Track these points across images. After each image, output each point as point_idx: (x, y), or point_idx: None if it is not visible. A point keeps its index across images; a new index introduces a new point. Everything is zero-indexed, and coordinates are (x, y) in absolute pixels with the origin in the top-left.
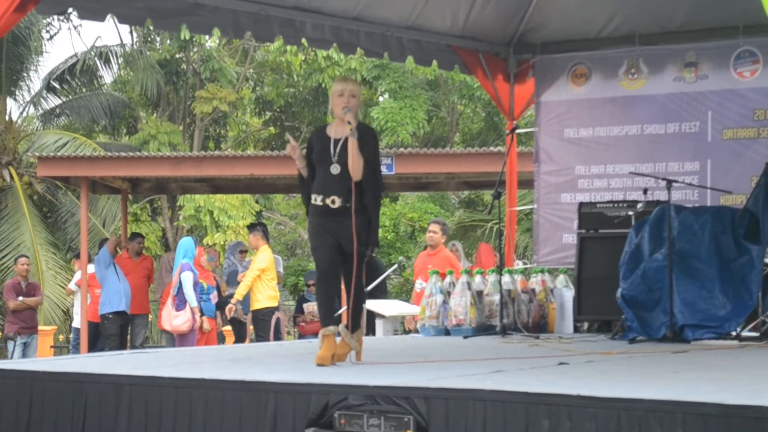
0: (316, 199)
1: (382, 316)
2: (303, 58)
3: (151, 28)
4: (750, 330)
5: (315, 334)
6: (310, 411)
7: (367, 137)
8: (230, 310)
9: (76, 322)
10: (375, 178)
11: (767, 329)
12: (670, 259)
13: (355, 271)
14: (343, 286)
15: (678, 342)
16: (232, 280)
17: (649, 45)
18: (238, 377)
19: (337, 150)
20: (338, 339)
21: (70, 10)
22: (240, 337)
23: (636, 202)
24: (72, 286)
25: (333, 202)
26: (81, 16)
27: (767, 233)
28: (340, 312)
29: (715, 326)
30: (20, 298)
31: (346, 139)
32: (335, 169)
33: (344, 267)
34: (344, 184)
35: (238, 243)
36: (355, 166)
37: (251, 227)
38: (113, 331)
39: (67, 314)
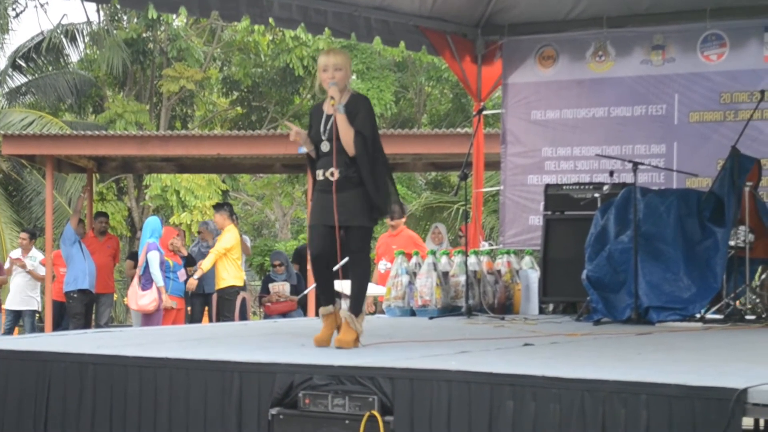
0: (318, 174)
1: (346, 296)
2: (270, 38)
3: (118, 6)
4: (714, 312)
5: (281, 314)
6: (275, 391)
7: (359, 107)
8: (192, 284)
9: (10, 304)
10: (368, 151)
11: (731, 311)
12: (636, 242)
13: (362, 248)
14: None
15: (643, 324)
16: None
17: (617, 27)
18: (202, 357)
19: (327, 126)
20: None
21: None
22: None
23: (602, 184)
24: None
25: (332, 174)
26: None
27: (732, 216)
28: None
29: (680, 308)
30: None
31: (333, 117)
32: (325, 146)
33: (351, 242)
34: (340, 158)
35: (205, 222)
36: (346, 140)
37: (217, 206)
38: (78, 309)
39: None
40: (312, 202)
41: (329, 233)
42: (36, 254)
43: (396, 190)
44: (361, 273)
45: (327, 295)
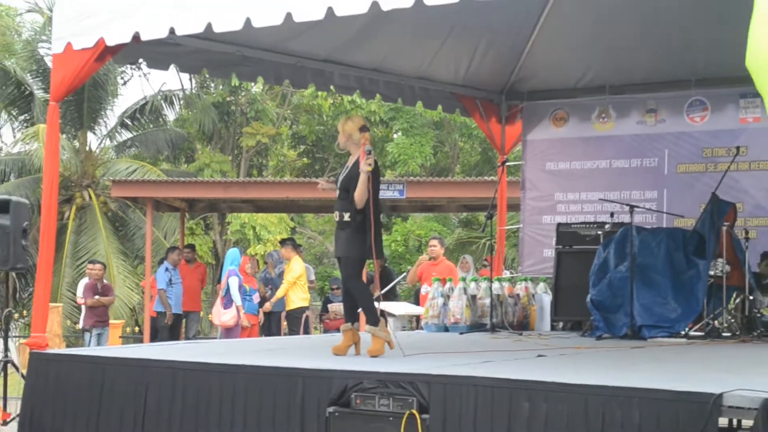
0: (343, 216)
1: (392, 315)
2: (331, 101)
3: (207, 75)
4: (696, 330)
5: (338, 330)
6: (332, 393)
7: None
8: (267, 308)
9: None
10: (376, 205)
11: (710, 330)
12: (632, 271)
13: (350, 276)
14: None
15: (636, 339)
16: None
17: (617, 94)
18: (273, 364)
19: (342, 175)
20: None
21: (140, 60)
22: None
23: (604, 223)
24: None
25: (337, 216)
26: (149, 66)
27: (712, 251)
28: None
29: (668, 327)
30: (96, 296)
31: (351, 169)
32: (337, 187)
33: (347, 268)
34: (347, 202)
35: (270, 254)
36: (359, 194)
37: (282, 242)
38: (164, 325)
39: (133, 311)
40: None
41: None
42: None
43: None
44: (360, 294)
45: (348, 315)
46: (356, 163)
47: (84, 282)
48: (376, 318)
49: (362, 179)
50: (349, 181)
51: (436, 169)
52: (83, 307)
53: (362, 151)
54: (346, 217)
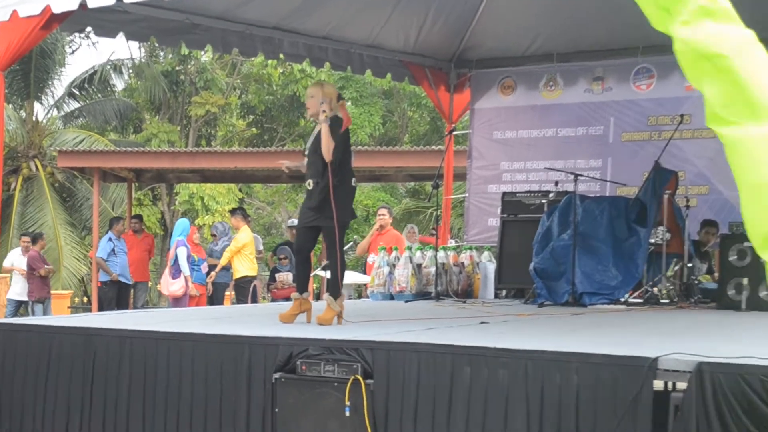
0: (306, 183)
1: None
2: (281, 70)
3: (156, 44)
4: (635, 297)
5: (286, 299)
6: (278, 359)
7: (336, 125)
8: (211, 277)
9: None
10: (346, 163)
11: (649, 297)
12: (574, 239)
13: (332, 242)
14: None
15: (577, 306)
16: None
17: (565, 62)
18: (219, 332)
19: (310, 143)
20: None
21: (88, 28)
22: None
23: (549, 192)
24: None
25: (309, 184)
26: (97, 34)
27: (653, 219)
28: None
29: (608, 293)
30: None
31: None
32: (305, 155)
33: (326, 239)
34: (318, 168)
35: (215, 226)
36: (325, 146)
37: (232, 211)
38: (111, 295)
39: (82, 282)
40: (300, 207)
41: (308, 233)
42: None
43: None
44: (336, 264)
45: (299, 282)
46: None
47: (17, 253)
48: (338, 291)
49: (324, 130)
50: (317, 144)
51: (384, 139)
52: (20, 279)
53: (319, 116)
54: (319, 183)
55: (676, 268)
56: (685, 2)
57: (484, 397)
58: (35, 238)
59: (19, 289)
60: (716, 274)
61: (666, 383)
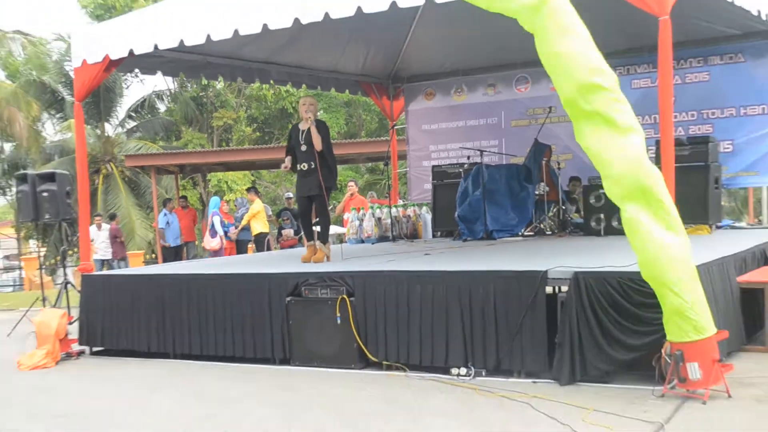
0: (299, 167)
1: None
2: (272, 91)
3: (184, 77)
4: (528, 231)
5: (290, 247)
6: (288, 287)
7: (322, 126)
8: (234, 233)
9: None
10: (330, 150)
11: (538, 230)
12: (484, 195)
13: (323, 205)
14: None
15: (489, 240)
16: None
17: (467, 75)
18: (248, 271)
19: (302, 137)
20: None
21: (136, 69)
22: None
23: (463, 163)
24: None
25: (304, 166)
26: (142, 72)
27: (536, 178)
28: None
29: (509, 230)
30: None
31: (308, 130)
32: (303, 147)
33: (317, 203)
34: (311, 156)
35: (237, 201)
36: (317, 141)
37: (248, 189)
38: (170, 252)
39: (150, 244)
40: (297, 183)
41: (308, 201)
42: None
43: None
44: (325, 220)
45: (308, 234)
46: (309, 129)
47: (93, 228)
48: (326, 239)
49: (312, 129)
50: (308, 140)
51: (348, 134)
52: (101, 246)
53: (309, 119)
54: (312, 165)
55: (554, 210)
56: None
57: (431, 305)
58: (112, 217)
59: (101, 253)
60: (582, 212)
61: (554, 287)
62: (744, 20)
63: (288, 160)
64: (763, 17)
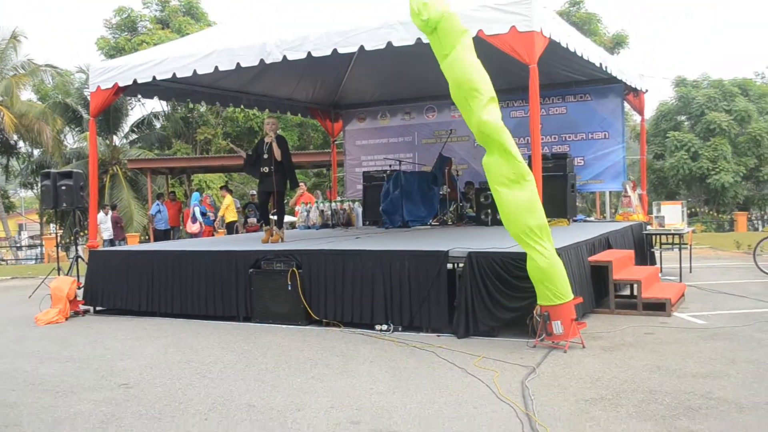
0: (261, 169)
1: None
2: (243, 114)
3: (175, 101)
4: (435, 222)
5: (255, 231)
6: (251, 261)
7: (281, 140)
8: (217, 223)
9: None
10: (285, 157)
11: (442, 221)
12: (401, 194)
13: (279, 200)
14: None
15: (405, 228)
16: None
17: (389, 105)
18: (220, 249)
19: (266, 149)
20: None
21: (138, 95)
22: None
23: (386, 170)
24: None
25: (266, 170)
26: (143, 96)
27: (440, 181)
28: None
29: (421, 220)
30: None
31: (270, 144)
32: (265, 156)
33: (275, 198)
34: (270, 162)
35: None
36: (277, 153)
37: (222, 188)
38: (160, 235)
39: (145, 228)
40: (259, 182)
41: (266, 195)
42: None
43: (295, 175)
44: (280, 211)
45: (266, 221)
46: (271, 142)
47: (101, 214)
48: (281, 225)
49: (274, 144)
50: (270, 150)
51: (300, 147)
52: (107, 229)
53: (271, 135)
54: (272, 169)
55: (454, 206)
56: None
57: (360, 276)
58: (114, 207)
59: (107, 234)
60: (474, 208)
61: (454, 264)
62: (590, 70)
63: (244, 155)
64: (604, 68)
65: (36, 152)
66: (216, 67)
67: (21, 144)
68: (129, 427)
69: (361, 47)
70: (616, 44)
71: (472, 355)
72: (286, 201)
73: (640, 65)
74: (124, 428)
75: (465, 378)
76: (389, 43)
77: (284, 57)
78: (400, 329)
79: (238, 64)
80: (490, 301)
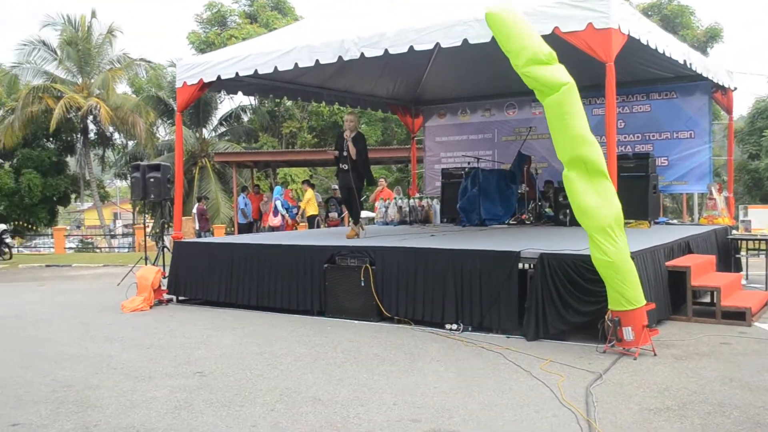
0: (340, 165)
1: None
2: (328, 108)
3: (259, 96)
4: (512, 221)
5: (335, 226)
6: (325, 256)
7: (359, 137)
8: (299, 217)
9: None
10: (363, 157)
11: (520, 221)
12: (479, 192)
13: (356, 196)
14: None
15: (482, 226)
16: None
17: (469, 101)
18: (299, 243)
19: (344, 145)
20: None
21: (222, 90)
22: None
23: (465, 167)
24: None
25: (344, 166)
26: (227, 92)
27: (519, 180)
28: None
29: (498, 219)
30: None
31: (347, 141)
32: (344, 152)
33: (351, 194)
34: (347, 159)
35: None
36: (352, 151)
37: (304, 182)
38: (244, 227)
39: (231, 220)
40: (338, 177)
41: (346, 191)
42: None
43: (371, 172)
44: (356, 207)
45: (353, 217)
46: (348, 139)
47: (197, 206)
48: (357, 219)
49: (350, 141)
50: (347, 148)
51: (383, 142)
52: (196, 219)
53: (349, 133)
54: (347, 167)
55: (532, 205)
56: (520, 55)
57: (432, 275)
58: (200, 199)
59: (198, 226)
60: (553, 207)
61: (525, 265)
62: (675, 67)
63: (334, 152)
64: (689, 65)
65: (130, 144)
66: (296, 64)
67: (116, 136)
68: (199, 414)
69: (437, 44)
70: (709, 38)
71: (539, 359)
72: (365, 197)
73: (731, 62)
74: (195, 414)
75: (530, 381)
76: (465, 41)
77: (362, 54)
78: (470, 329)
79: (317, 60)
80: (560, 304)
